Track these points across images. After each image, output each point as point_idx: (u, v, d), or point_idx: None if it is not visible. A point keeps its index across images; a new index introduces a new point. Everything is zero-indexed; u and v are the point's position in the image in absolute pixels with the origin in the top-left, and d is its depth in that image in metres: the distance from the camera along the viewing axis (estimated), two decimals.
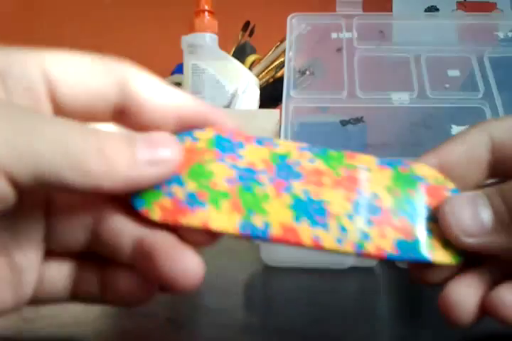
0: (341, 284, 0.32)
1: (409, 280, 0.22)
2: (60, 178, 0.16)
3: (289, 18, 0.55)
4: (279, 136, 0.47)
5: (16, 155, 0.15)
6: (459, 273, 0.21)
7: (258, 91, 0.76)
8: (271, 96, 0.77)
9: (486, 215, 0.19)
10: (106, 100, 0.19)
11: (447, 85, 0.49)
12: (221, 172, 0.18)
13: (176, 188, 0.18)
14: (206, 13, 0.77)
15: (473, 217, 0.19)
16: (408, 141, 0.48)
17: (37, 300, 0.20)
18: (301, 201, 0.18)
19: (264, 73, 0.84)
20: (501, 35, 0.53)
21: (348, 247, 0.18)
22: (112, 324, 0.24)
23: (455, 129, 0.45)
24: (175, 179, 0.18)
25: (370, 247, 0.18)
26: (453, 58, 0.51)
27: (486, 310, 0.20)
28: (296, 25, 0.55)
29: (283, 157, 0.19)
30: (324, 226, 0.18)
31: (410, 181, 0.20)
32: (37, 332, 0.23)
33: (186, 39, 0.76)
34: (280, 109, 0.50)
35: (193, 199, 0.18)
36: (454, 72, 0.50)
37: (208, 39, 0.76)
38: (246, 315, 0.27)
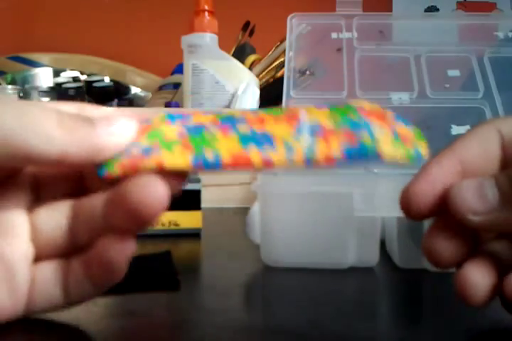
0: (341, 284, 0.32)
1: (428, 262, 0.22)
2: (27, 146, 0.18)
3: (289, 18, 0.55)
4: None
5: None
6: (472, 255, 0.22)
7: (258, 92, 0.76)
8: (271, 96, 0.77)
9: (492, 194, 0.20)
10: None
11: (447, 85, 0.49)
12: (172, 129, 0.21)
13: (132, 149, 0.20)
14: (206, 13, 0.77)
15: (480, 196, 0.20)
16: None
17: (33, 305, 0.20)
18: (247, 135, 0.21)
19: (264, 73, 0.84)
20: (501, 35, 0.53)
21: (298, 160, 0.20)
22: (111, 324, 0.24)
23: (455, 129, 0.45)
24: (131, 145, 0.20)
25: (319, 156, 0.20)
26: (453, 58, 0.51)
27: (505, 293, 0.21)
28: (296, 25, 0.55)
29: (228, 116, 0.21)
30: (272, 147, 0.20)
31: (348, 110, 0.21)
32: (37, 331, 0.23)
33: (186, 39, 0.76)
34: None
35: (147, 150, 0.20)
36: (454, 72, 0.50)
37: (208, 39, 0.76)
38: (246, 315, 0.27)
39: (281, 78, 0.54)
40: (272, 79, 0.84)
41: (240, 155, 0.20)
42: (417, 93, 0.48)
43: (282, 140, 0.20)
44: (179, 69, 0.86)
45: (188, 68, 0.75)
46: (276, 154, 0.20)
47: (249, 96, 0.74)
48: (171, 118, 0.21)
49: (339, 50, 0.53)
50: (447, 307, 0.27)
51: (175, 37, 0.78)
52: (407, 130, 0.21)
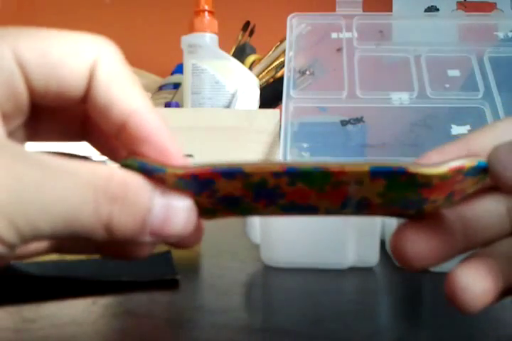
0: (341, 284, 0.32)
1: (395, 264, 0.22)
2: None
3: (289, 18, 0.55)
4: (279, 136, 0.47)
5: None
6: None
7: (258, 91, 0.76)
8: (271, 96, 0.77)
9: None
10: (76, 87, 0.18)
11: (447, 85, 0.49)
12: (202, 201, 0.18)
13: None
14: (206, 13, 0.77)
15: None
16: (408, 141, 0.48)
17: None
18: (288, 206, 0.19)
19: (264, 73, 0.84)
20: (501, 35, 0.53)
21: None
22: (112, 324, 0.24)
23: (455, 129, 0.45)
24: None
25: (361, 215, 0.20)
26: (453, 58, 0.51)
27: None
28: (296, 25, 0.55)
29: (260, 184, 0.17)
30: (314, 212, 0.19)
31: (409, 186, 0.18)
32: (37, 332, 0.23)
33: (186, 39, 0.76)
34: (280, 109, 0.50)
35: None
36: (454, 72, 0.50)
37: (208, 39, 0.76)
38: (246, 315, 0.27)
39: (281, 78, 0.54)
40: (271, 79, 0.84)
41: (281, 214, 0.20)
42: (417, 93, 0.48)
43: (326, 209, 0.19)
44: (179, 69, 0.86)
45: (188, 68, 0.75)
46: (317, 215, 0.20)
47: (249, 96, 0.74)
48: (191, 188, 0.18)
49: (339, 50, 0.53)
50: (447, 307, 0.27)
51: (175, 37, 0.78)
52: (472, 181, 0.19)
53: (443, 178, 0.17)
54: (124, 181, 0.17)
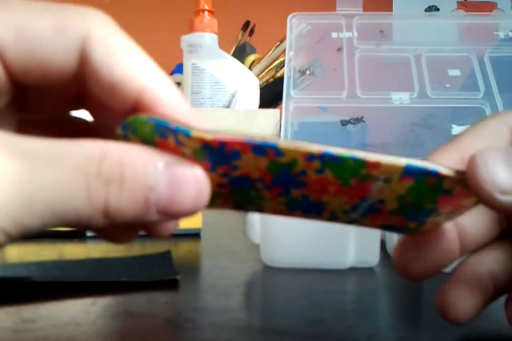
0: (341, 284, 0.32)
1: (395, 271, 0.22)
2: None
3: (289, 17, 0.55)
4: (279, 136, 0.47)
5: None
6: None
7: (258, 91, 0.76)
8: (271, 96, 0.77)
9: None
10: (63, 66, 0.16)
11: (448, 85, 0.49)
12: (212, 179, 0.17)
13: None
14: (206, 13, 0.77)
15: (509, 172, 0.16)
16: (408, 141, 0.47)
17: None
18: (296, 201, 0.18)
19: (264, 73, 0.84)
20: (502, 34, 0.53)
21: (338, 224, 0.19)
22: (111, 324, 0.24)
23: (455, 129, 0.45)
24: None
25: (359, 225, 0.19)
26: (453, 58, 0.51)
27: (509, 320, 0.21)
28: (297, 24, 0.55)
29: (286, 167, 0.16)
30: (317, 214, 0.19)
31: (429, 192, 0.17)
32: (37, 332, 0.23)
33: (186, 39, 0.76)
34: (280, 109, 0.50)
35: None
36: (454, 72, 0.50)
37: (208, 39, 0.76)
38: (246, 315, 0.26)
39: (281, 78, 0.54)
40: (271, 79, 0.84)
41: (282, 213, 0.19)
42: (417, 93, 0.48)
43: (331, 211, 0.19)
44: (179, 69, 0.86)
45: (188, 68, 0.75)
46: (319, 218, 0.19)
47: (249, 96, 0.74)
48: (210, 159, 0.16)
49: (339, 49, 0.53)
50: None
51: (175, 37, 0.78)
52: (473, 199, 0.19)
53: (465, 186, 0.17)
54: (118, 159, 0.15)
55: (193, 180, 0.15)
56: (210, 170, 0.16)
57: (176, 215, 0.15)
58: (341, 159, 0.16)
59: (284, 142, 0.15)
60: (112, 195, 0.14)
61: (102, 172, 0.14)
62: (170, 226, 0.18)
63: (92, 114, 0.19)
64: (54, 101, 0.19)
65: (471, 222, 0.21)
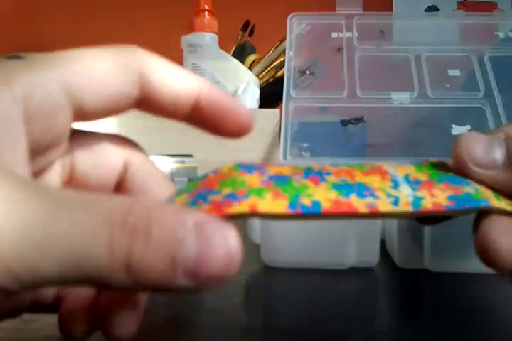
0: (341, 284, 0.32)
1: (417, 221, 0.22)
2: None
3: (289, 17, 0.55)
4: (279, 136, 0.47)
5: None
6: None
7: (258, 91, 0.76)
8: (271, 96, 0.77)
9: (499, 153, 0.20)
10: (128, 97, 0.19)
11: (448, 85, 0.49)
12: (253, 179, 0.18)
13: (211, 197, 0.17)
14: (206, 13, 0.77)
15: (486, 151, 0.20)
16: (408, 141, 0.47)
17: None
18: (340, 185, 0.19)
19: (264, 73, 0.84)
20: (502, 34, 0.53)
21: (405, 207, 0.19)
22: None
23: (455, 129, 0.45)
24: (205, 192, 0.18)
25: (427, 204, 0.19)
26: (453, 58, 0.51)
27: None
28: (296, 24, 0.55)
29: (308, 168, 0.20)
30: (373, 196, 0.19)
31: (435, 166, 0.21)
32: (37, 332, 0.23)
33: (186, 39, 0.76)
34: (280, 109, 0.50)
35: (233, 196, 0.17)
36: (454, 72, 0.50)
37: (208, 39, 0.76)
38: (246, 315, 0.26)
39: (281, 78, 0.54)
40: (271, 79, 0.84)
41: (340, 201, 0.18)
42: (417, 93, 0.48)
43: (381, 190, 0.19)
44: None
45: (188, 68, 0.75)
46: (381, 202, 0.18)
47: (249, 96, 0.74)
48: (245, 168, 0.19)
49: (339, 49, 0.53)
50: (447, 307, 0.27)
51: (175, 37, 0.78)
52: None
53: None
54: (147, 212, 0.14)
55: (222, 238, 0.14)
56: (248, 173, 0.19)
57: (205, 279, 0.14)
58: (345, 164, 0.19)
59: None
60: (135, 247, 0.13)
61: (128, 223, 0.14)
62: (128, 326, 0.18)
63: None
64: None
65: None
